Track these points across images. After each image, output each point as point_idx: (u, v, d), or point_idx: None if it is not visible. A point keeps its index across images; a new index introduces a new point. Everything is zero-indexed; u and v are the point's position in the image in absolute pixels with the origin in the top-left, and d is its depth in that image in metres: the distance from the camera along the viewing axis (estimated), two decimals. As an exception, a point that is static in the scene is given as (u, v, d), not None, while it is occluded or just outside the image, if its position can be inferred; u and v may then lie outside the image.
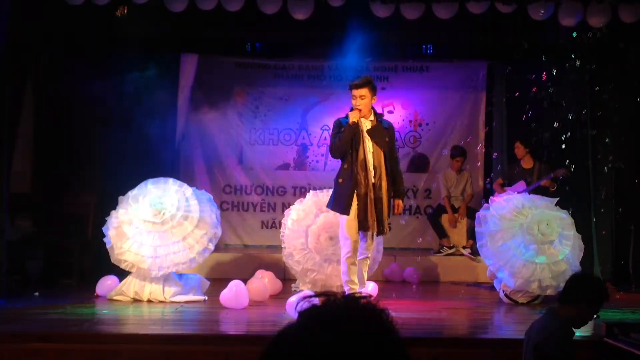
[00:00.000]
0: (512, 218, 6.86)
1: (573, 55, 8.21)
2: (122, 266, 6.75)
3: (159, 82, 8.69)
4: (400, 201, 6.35)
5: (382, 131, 6.19)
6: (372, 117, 6.22)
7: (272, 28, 8.34)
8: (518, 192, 7.57)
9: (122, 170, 8.18)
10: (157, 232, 6.72)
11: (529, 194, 7.73)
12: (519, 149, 8.53)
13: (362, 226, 6.08)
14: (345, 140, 6.05)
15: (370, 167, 6.08)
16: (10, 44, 6.81)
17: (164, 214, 6.72)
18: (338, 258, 6.72)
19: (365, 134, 6.14)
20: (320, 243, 7.20)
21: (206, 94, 9.68)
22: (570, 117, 8.42)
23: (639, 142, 8.35)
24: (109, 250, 6.83)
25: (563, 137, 8.47)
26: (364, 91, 6.11)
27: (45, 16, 7.60)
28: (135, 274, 6.81)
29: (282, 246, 7.45)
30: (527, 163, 8.50)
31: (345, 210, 6.12)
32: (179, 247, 6.73)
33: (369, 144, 6.12)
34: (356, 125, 6.05)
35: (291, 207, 7.61)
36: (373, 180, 6.08)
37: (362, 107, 6.10)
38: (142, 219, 6.72)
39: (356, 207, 6.08)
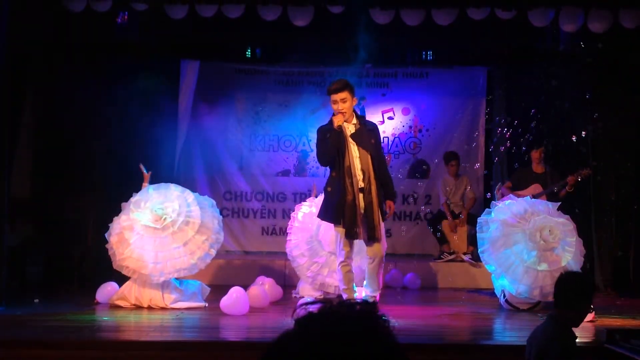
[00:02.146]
0: (514, 224, 6.84)
1: (574, 61, 8.22)
2: (124, 272, 6.74)
3: (159, 88, 8.70)
4: (392, 202, 6.24)
5: (366, 133, 6.06)
6: (354, 121, 6.09)
7: (273, 34, 8.35)
8: (533, 196, 7.47)
9: (123, 176, 8.18)
10: (158, 238, 6.70)
11: (547, 197, 7.68)
12: (538, 154, 8.32)
13: (350, 234, 5.99)
14: (331, 145, 5.94)
15: (358, 172, 5.98)
16: (10, 50, 6.83)
17: (165, 219, 6.71)
18: None
19: (350, 139, 6.01)
20: (330, 236, 7.14)
21: (207, 100, 9.69)
22: (570, 122, 8.42)
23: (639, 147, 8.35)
24: (111, 257, 6.83)
25: (563, 142, 8.48)
26: (345, 94, 5.99)
27: (46, 22, 7.61)
28: (135, 280, 6.80)
29: (288, 238, 7.39)
30: (538, 168, 8.37)
31: (335, 219, 6.04)
32: (179, 253, 6.71)
33: (354, 149, 6.00)
34: (341, 130, 5.96)
35: (302, 203, 7.62)
36: (362, 185, 5.97)
37: (345, 111, 5.99)
38: (144, 225, 6.72)
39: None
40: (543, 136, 8.62)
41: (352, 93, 6.06)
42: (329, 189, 6.11)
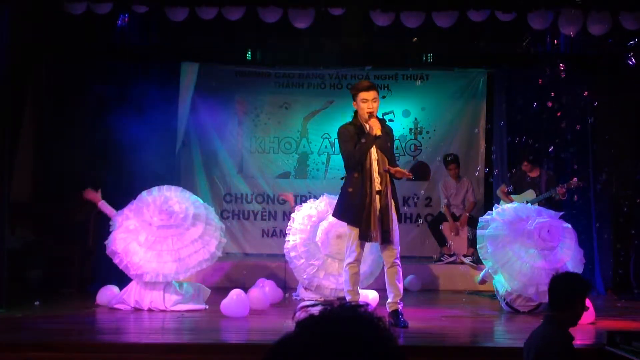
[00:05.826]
0: (515, 222, 6.87)
1: (573, 64, 8.22)
2: (147, 279, 6.66)
3: (159, 90, 8.69)
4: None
5: (384, 137, 6.04)
6: None
7: (273, 36, 8.35)
8: (527, 202, 7.52)
9: (123, 179, 8.18)
10: (174, 235, 6.82)
11: (539, 203, 7.70)
12: (527, 167, 8.36)
13: (364, 236, 5.96)
14: (365, 152, 5.89)
15: (377, 175, 5.94)
16: (11, 54, 6.83)
17: (176, 216, 6.81)
18: (342, 257, 6.52)
19: None
20: (328, 239, 7.11)
21: (206, 103, 9.69)
22: (570, 125, 8.42)
23: (639, 150, 8.35)
24: (123, 270, 6.73)
25: (564, 145, 8.48)
26: (376, 94, 5.98)
27: (46, 25, 7.61)
28: (136, 283, 6.80)
29: (286, 239, 7.35)
30: (533, 172, 8.39)
31: (354, 221, 5.96)
32: (199, 245, 6.86)
33: (373, 151, 5.97)
34: (378, 138, 5.88)
35: (302, 204, 7.60)
36: (380, 188, 5.94)
37: (375, 112, 5.92)
38: (156, 226, 6.79)
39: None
40: (543, 138, 8.63)
41: None
42: (350, 189, 6.00)
